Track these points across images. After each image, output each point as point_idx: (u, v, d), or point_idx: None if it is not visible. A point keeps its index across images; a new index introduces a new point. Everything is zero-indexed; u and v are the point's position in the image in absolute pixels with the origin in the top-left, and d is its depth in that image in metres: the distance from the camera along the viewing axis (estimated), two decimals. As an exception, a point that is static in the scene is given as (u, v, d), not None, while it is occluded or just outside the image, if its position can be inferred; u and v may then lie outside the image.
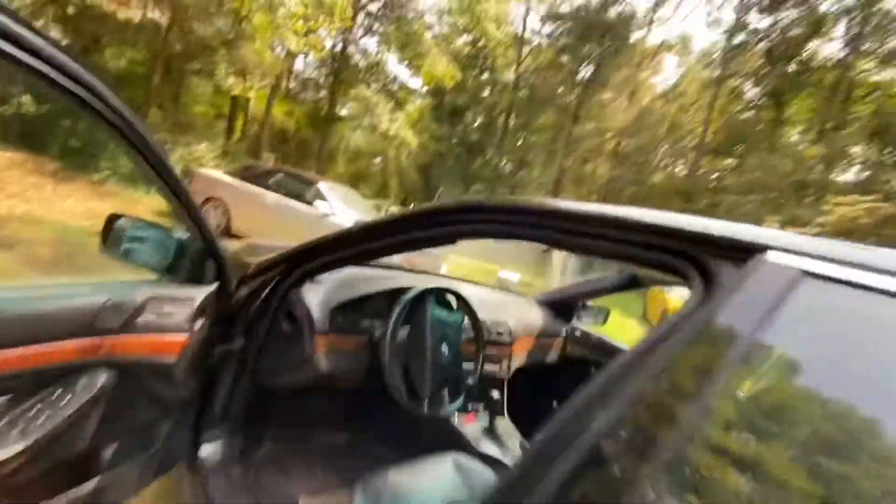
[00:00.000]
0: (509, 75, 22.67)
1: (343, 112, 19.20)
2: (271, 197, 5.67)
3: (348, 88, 17.06)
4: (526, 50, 22.70)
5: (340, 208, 5.52)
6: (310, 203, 5.48)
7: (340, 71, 17.36)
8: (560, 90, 22.93)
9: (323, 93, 20.99)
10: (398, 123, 15.42)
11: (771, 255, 0.50)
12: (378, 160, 22.09)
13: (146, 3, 8.43)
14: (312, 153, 18.53)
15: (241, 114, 15.09)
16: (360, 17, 17.54)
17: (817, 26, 15.64)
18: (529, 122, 21.97)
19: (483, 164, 21.48)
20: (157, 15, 8.68)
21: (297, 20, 8.29)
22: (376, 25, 17.74)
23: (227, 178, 6.00)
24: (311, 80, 20.14)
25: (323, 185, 5.71)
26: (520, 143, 22.91)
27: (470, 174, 20.52)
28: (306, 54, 13.00)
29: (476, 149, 21.02)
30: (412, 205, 13.64)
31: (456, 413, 1.77)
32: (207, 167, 7.25)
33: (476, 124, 22.17)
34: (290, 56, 12.94)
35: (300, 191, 5.68)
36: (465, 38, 17.72)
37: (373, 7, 17.25)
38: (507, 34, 16.94)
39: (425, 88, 18.94)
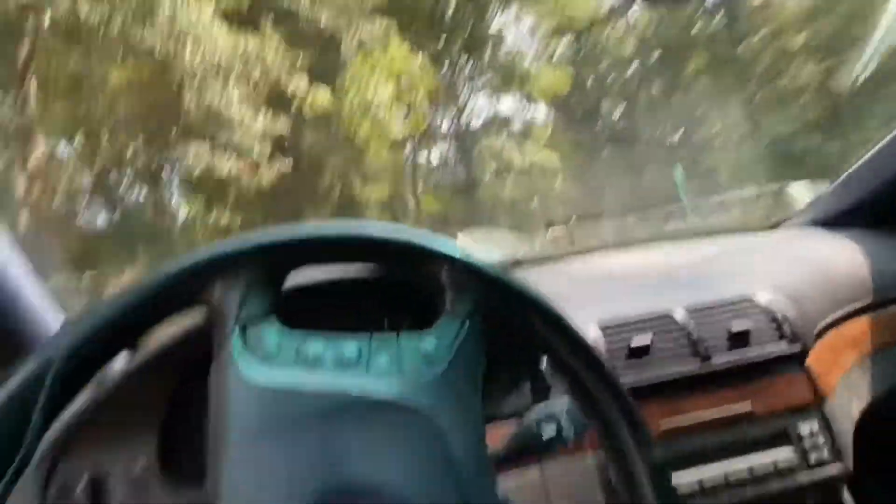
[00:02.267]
0: (624, 50, 20.52)
1: (484, 175, 19.48)
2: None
3: (479, 146, 17.40)
4: (625, 20, 20.58)
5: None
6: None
7: (465, 137, 17.99)
8: (692, 29, 19.56)
9: (460, 169, 21.92)
10: (531, 151, 14.89)
11: None
12: (535, 200, 21.46)
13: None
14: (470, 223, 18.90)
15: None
16: (461, 87, 18.54)
17: None
18: (678, 77, 18.72)
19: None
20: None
21: (390, 107, 8.68)
22: (478, 81, 18.36)
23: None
24: (441, 166, 21.35)
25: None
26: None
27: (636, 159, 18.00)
28: (416, 140, 13.75)
29: (627, 136, 18.55)
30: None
31: None
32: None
33: (618, 111, 19.90)
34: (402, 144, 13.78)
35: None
36: (562, 39, 16.98)
37: (466, 70, 18.07)
38: (598, 12, 15.61)
39: (543, 107, 18.22)
